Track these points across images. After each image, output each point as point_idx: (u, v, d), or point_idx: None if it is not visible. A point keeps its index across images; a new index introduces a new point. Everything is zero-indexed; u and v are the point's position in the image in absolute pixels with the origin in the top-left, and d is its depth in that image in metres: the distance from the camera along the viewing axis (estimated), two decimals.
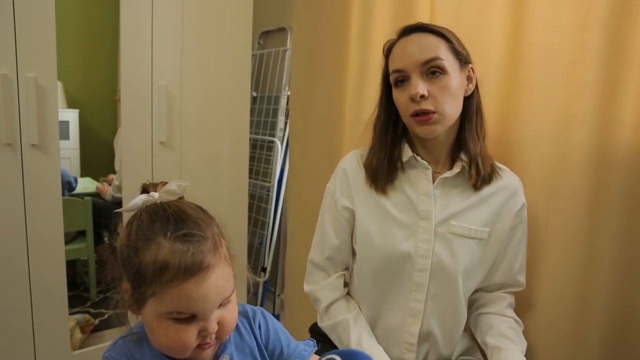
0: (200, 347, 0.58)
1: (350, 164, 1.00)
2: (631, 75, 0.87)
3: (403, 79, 0.89)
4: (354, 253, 1.01)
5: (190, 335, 0.56)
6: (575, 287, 0.96)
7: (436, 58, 0.85)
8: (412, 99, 0.86)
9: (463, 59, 0.89)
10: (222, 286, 0.58)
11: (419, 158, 0.92)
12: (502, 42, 1.06)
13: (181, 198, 0.63)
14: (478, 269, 0.92)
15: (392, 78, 0.91)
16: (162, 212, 0.58)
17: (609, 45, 0.89)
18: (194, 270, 0.55)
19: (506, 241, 0.93)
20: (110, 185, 2.17)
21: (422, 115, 0.86)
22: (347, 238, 1.00)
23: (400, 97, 0.89)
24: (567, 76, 0.96)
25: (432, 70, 0.85)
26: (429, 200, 0.91)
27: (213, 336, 0.58)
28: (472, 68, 0.91)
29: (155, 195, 0.60)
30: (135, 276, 0.56)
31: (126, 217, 0.62)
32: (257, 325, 0.73)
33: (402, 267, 0.91)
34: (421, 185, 0.93)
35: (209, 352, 0.62)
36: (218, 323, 0.58)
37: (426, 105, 0.85)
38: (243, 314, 0.73)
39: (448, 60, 0.86)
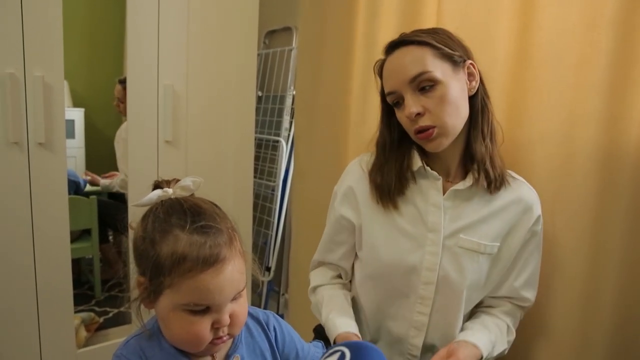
0: (213, 342, 0.59)
1: (355, 177, 0.98)
2: (639, 75, 0.86)
3: (398, 99, 0.87)
4: (358, 258, 1.00)
5: (204, 327, 0.57)
6: (581, 285, 0.96)
7: (423, 72, 0.82)
8: (410, 119, 0.84)
9: (458, 60, 0.85)
10: (237, 279, 0.59)
11: (428, 168, 0.90)
12: (509, 41, 1.05)
13: (192, 195, 0.64)
14: (484, 285, 0.90)
15: (388, 100, 0.90)
16: (178, 206, 0.60)
17: (617, 44, 0.88)
18: (211, 261, 0.56)
19: (516, 256, 0.91)
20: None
21: (423, 132, 0.84)
22: (339, 241, 0.99)
23: (401, 117, 0.88)
24: (574, 76, 0.95)
25: (423, 84, 0.82)
26: (438, 212, 0.89)
27: (226, 329, 0.59)
28: (472, 64, 0.87)
29: (169, 191, 0.62)
30: (152, 268, 0.57)
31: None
32: (272, 329, 0.74)
33: (408, 280, 0.90)
34: (431, 196, 0.90)
35: (222, 347, 0.64)
36: (230, 316, 0.59)
37: (424, 122, 0.83)
38: (254, 317, 0.73)
39: (437, 69, 0.82)
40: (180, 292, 0.56)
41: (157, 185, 0.64)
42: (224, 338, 0.60)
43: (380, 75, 0.92)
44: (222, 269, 0.57)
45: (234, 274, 0.58)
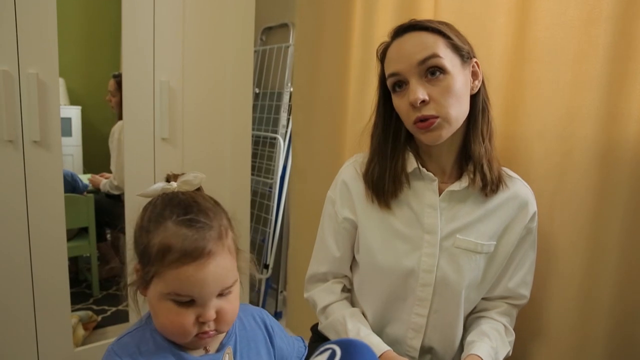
0: (198, 336, 0.60)
1: (349, 175, 0.95)
2: (637, 70, 0.86)
3: (401, 83, 0.83)
4: (355, 262, 0.98)
5: (188, 319, 0.58)
6: (580, 281, 0.96)
7: (433, 55, 0.78)
8: (413, 106, 0.80)
9: (465, 55, 0.82)
10: (221, 275, 0.60)
11: (424, 170, 0.88)
12: (506, 36, 1.04)
13: (200, 190, 0.67)
14: (482, 284, 0.90)
15: (389, 83, 0.85)
16: (175, 198, 0.62)
17: (615, 39, 0.88)
18: (195, 254, 0.57)
19: (511, 253, 0.90)
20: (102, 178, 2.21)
21: (424, 121, 0.80)
22: (348, 249, 0.97)
23: (400, 103, 0.84)
24: (572, 71, 0.94)
25: (431, 70, 0.79)
26: (434, 213, 0.87)
27: (211, 324, 0.60)
28: (476, 63, 0.85)
29: (173, 185, 0.64)
30: (144, 256, 0.59)
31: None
32: (270, 326, 0.76)
33: (406, 282, 0.89)
34: (426, 197, 0.88)
35: (212, 341, 0.65)
36: (217, 312, 0.60)
37: (428, 111, 0.79)
38: (249, 312, 0.75)
39: (448, 58, 0.79)
40: (165, 282, 0.57)
41: (167, 179, 0.66)
42: (210, 333, 0.61)
43: (382, 59, 0.88)
44: (205, 263, 0.57)
45: (220, 270, 0.59)
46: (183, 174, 0.67)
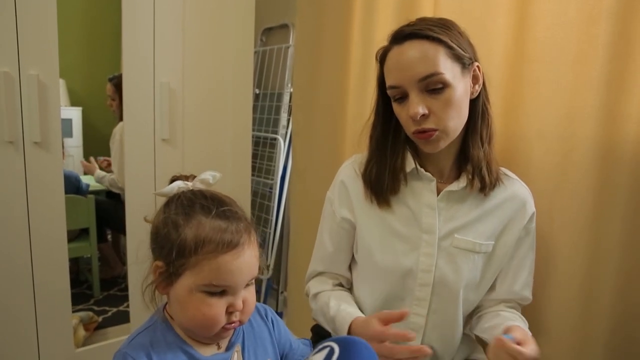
0: (224, 327, 0.62)
1: (348, 175, 0.96)
2: (638, 70, 0.86)
3: (401, 95, 0.82)
4: (354, 261, 0.98)
5: (219, 309, 0.60)
6: (580, 281, 0.96)
7: (435, 73, 0.77)
8: (412, 118, 0.80)
9: (467, 61, 0.81)
10: (253, 264, 0.63)
11: (422, 170, 0.88)
12: (506, 36, 1.04)
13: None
14: (481, 284, 0.90)
15: (389, 93, 0.84)
16: (200, 195, 0.64)
17: (616, 39, 0.88)
18: (232, 245, 0.60)
19: (511, 255, 0.90)
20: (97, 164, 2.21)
21: (424, 133, 0.80)
22: (345, 248, 0.97)
23: (400, 112, 0.84)
24: (572, 71, 0.94)
25: (432, 86, 0.78)
26: (432, 213, 0.88)
27: (238, 314, 0.62)
28: (478, 67, 0.84)
29: (189, 184, 0.67)
30: (174, 250, 0.59)
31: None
32: (270, 321, 0.77)
33: (404, 282, 0.89)
34: (424, 197, 0.89)
35: (229, 334, 0.67)
36: (242, 302, 0.62)
37: (427, 124, 0.79)
38: (255, 309, 0.75)
39: (448, 71, 0.77)
40: (202, 273, 0.59)
41: (175, 179, 0.68)
42: (236, 323, 0.63)
43: (382, 62, 0.86)
44: (241, 252, 0.61)
45: (251, 259, 0.62)
46: (191, 175, 0.69)
